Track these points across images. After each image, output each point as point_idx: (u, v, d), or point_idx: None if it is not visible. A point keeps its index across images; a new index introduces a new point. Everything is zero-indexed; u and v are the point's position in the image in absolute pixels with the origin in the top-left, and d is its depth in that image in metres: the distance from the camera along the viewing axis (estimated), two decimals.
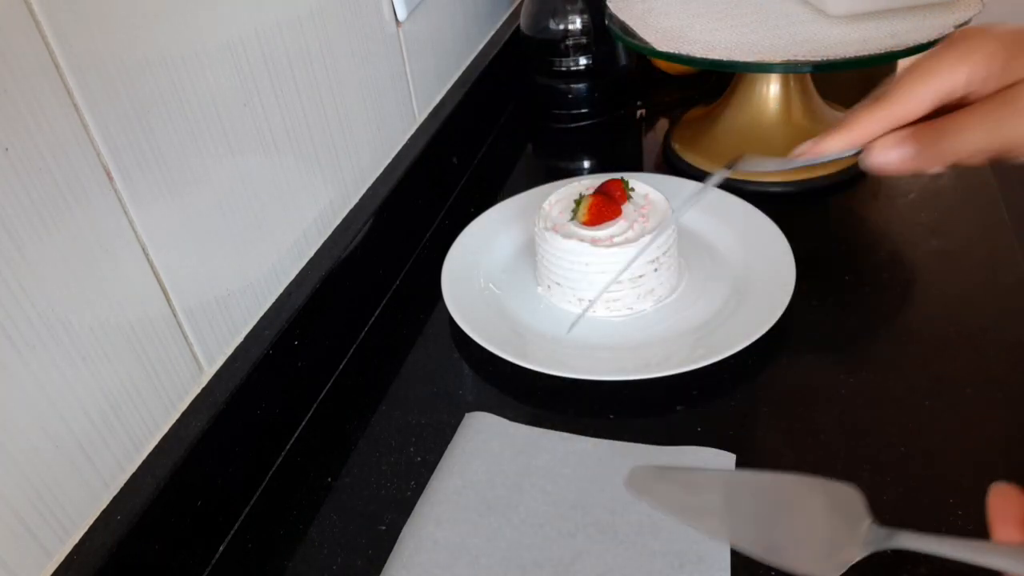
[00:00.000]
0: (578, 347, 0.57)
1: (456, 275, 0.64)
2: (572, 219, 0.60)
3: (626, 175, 0.63)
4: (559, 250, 0.59)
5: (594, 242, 0.58)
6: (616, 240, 0.58)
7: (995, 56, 0.31)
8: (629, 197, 0.61)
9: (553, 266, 0.60)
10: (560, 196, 0.63)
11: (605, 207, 0.59)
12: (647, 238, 0.57)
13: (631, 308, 0.60)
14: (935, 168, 0.33)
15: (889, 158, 0.34)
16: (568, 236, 0.58)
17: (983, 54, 0.31)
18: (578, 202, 0.60)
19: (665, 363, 0.54)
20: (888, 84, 0.34)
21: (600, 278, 0.58)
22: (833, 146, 0.35)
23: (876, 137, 0.34)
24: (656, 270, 0.59)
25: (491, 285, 0.64)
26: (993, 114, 0.30)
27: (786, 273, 0.59)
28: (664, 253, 0.59)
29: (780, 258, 0.61)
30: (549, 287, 0.62)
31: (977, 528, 0.43)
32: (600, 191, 0.60)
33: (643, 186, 0.62)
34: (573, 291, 0.60)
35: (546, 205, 0.62)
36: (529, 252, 0.65)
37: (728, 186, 0.71)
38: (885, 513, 0.44)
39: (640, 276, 0.58)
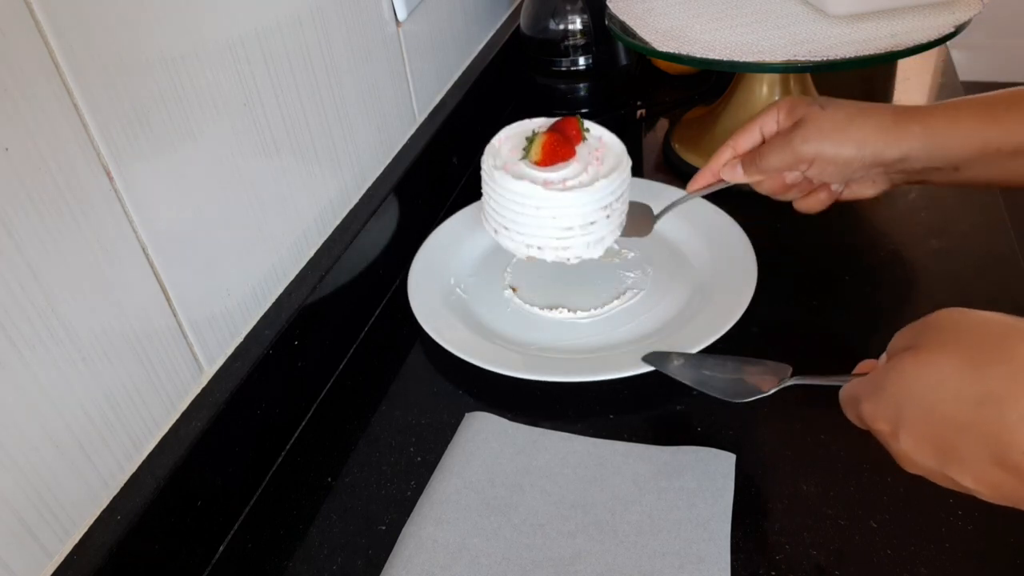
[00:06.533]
0: (568, 350, 0.57)
1: (424, 282, 0.64)
2: (524, 158, 0.55)
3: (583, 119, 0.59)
4: (509, 191, 0.54)
5: (546, 184, 0.53)
6: (569, 184, 0.53)
7: (783, 109, 0.53)
8: (584, 138, 0.57)
9: (502, 208, 0.55)
10: (511, 132, 0.58)
11: (559, 146, 0.54)
12: None
13: (580, 256, 0.56)
14: (758, 177, 0.53)
15: (733, 174, 0.55)
16: (519, 177, 0.54)
17: (781, 108, 0.53)
18: (530, 140, 0.55)
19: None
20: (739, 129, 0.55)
21: (552, 223, 0.54)
22: (701, 181, 0.56)
23: (726, 163, 0.55)
24: (608, 216, 0.55)
25: (458, 289, 0.64)
26: (777, 143, 0.52)
27: (749, 268, 0.60)
28: (617, 199, 0.55)
29: (743, 256, 0.61)
30: (496, 231, 0.57)
31: (977, 528, 0.43)
32: (554, 129, 0.56)
33: (598, 128, 0.58)
34: (522, 236, 0.56)
35: (495, 141, 0.57)
36: (503, 253, 0.62)
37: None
38: (884, 512, 0.44)
39: (591, 223, 0.54)
